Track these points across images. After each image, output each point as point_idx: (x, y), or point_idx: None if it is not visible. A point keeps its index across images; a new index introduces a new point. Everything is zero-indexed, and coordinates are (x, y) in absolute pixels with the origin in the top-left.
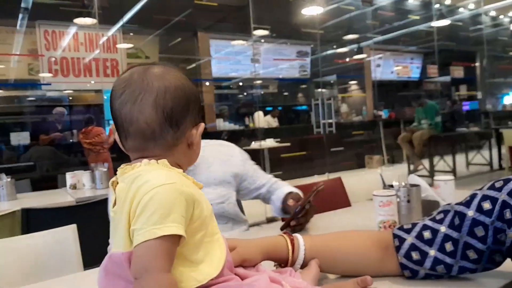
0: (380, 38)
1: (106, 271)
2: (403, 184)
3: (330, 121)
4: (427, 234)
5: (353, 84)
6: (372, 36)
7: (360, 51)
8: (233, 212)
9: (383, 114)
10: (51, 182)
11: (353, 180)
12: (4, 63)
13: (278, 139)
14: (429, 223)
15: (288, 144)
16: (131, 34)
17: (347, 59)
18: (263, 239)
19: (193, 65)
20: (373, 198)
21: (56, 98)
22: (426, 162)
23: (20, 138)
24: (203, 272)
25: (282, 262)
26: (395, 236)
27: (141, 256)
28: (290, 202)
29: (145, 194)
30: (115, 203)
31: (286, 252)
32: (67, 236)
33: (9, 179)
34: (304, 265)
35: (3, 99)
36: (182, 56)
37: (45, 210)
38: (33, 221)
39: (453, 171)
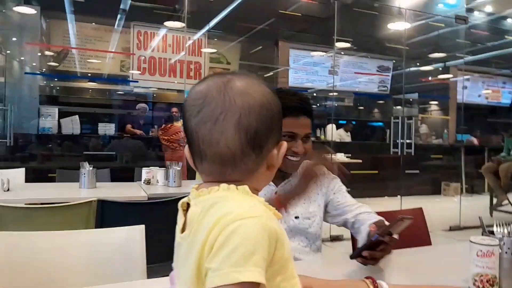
0: (470, 58)
1: None
2: (507, 231)
3: (408, 141)
4: None
5: (434, 105)
6: (461, 55)
7: (446, 70)
8: (315, 233)
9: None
10: (129, 173)
11: (428, 207)
12: (100, 59)
13: (349, 155)
14: None
15: (360, 160)
16: (215, 39)
17: (430, 78)
18: (343, 282)
19: (271, 73)
20: (470, 245)
21: (141, 94)
22: (511, 197)
23: (106, 128)
24: None
25: None
26: None
27: None
28: (372, 227)
29: (227, 226)
30: (183, 228)
31: None
32: (135, 235)
33: (91, 168)
34: None
35: (96, 91)
36: (261, 64)
37: (119, 204)
38: (106, 212)
39: None
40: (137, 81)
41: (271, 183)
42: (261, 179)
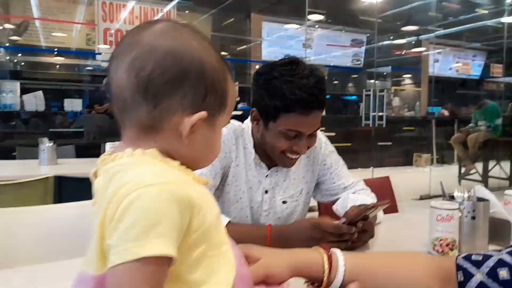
0: (442, 31)
1: None
2: (467, 196)
3: (380, 114)
4: (503, 273)
5: (407, 78)
6: (433, 29)
7: (418, 44)
8: (303, 213)
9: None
10: (97, 150)
11: (399, 178)
12: (65, 32)
13: (323, 128)
14: (508, 258)
15: (333, 134)
16: (186, 11)
17: (404, 52)
18: (295, 252)
19: (244, 46)
20: (430, 210)
21: None
22: (479, 166)
23: (73, 104)
24: None
25: (316, 281)
26: (459, 268)
27: (117, 284)
28: (352, 210)
29: (125, 197)
30: (96, 202)
31: (321, 271)
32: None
33: (50, 144)
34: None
35: (62, 66)
36: (234, 36)
37: (78, 180)
38: (66, 189)
39: (510, 179)
40: (101, 54)
41: (263, 164)
42: (173, 145)
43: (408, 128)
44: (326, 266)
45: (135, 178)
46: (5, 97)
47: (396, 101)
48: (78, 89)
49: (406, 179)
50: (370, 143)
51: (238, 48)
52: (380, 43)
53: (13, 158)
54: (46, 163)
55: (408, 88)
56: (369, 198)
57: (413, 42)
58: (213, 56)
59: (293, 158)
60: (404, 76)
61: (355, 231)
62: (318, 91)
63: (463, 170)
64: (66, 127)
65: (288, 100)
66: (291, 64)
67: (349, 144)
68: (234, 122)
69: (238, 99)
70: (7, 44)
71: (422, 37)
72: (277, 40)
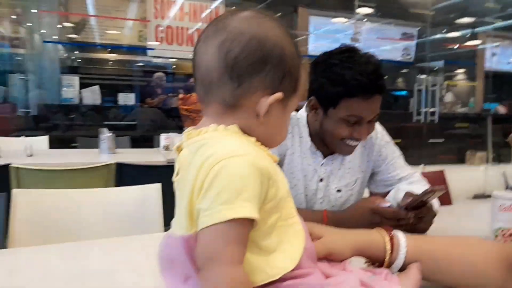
0: (500, 23)
1: (161, 257)
2: None
3: (432, 109)
4: None
5: (460, 73)
6: (490, 21)
7: (474, 36)
8: (356, 200)
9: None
10: (149, 142)
11: (452, 176)
12: (118, 29)
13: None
14: None
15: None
16: (233, 8)
17: (457, 45)
18: (357, 232)
19: None
20: (492, 200)
21: (161, 65)
22: None
23: (126, 98)
24: (276, 265)
25: (376, 262)
26: None
27: (208, 243)
28: (408, 197)
29: (212, 167)
30: (178, 173)
31: (382, 252)
32: (151, 193)
33: (110, 134)
34: (402, 269)
35: (115, 62)
36: None
37: (137, 167)
38: (125, 175)
39: None
40: (153, 49)
41: (318, 153)
42: (250, 124)
43: (461, 125)
44: (388, 247)
45: (219, 150)
46: (66, 91)
47: (448, 97)
48: (130, 84)
49: (459, 178)
50: (421, 139)
51: None
52: (432, 37)
53: (74, 147)
54: (106, 152)
55: (462, 83)
56: (422, 188)
57: (468, 35)
58: (291, 44)
59: (352, 145)
60: (457, 70)
61: (412, 217)
62: (378, 76)
63: None
64: (120, 120)
65: (349, 85)
66: (348, 51)
67: (399, 141)
68: None
69: None
70: (66, 42)
71: (478, 29)
72: (324, 34)
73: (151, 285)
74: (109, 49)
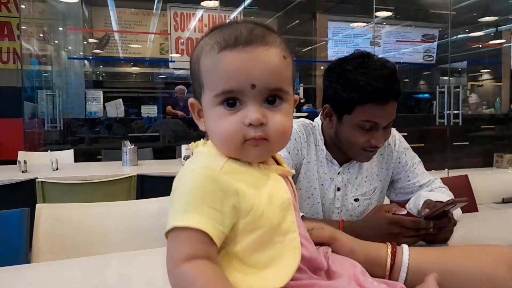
0: None
1: None
2: None
3: (456, 112)
4: None
5: (485, 73)
6: None
7: (498, 35)
8: None
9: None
10: (171, 152)
11: (478, 179)
12: (141, 43)
13: (394, 128)
14: None
15: (405, 134)
16: (252, 17)
17: (481, 44)
18: (368, 242)
19: (309, 47)
20: None
21: (183, 76)
22: None
23: (149, 110)
24: (265, 283)
25: (376, 274)
26: None
27: (167, 248)
28: (427, 205)
29: (176, 179)
30: None
31: (383, 267)
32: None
33: (132, 147)
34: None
35: (138, 75)
36: (299, 37)
37: (158, 178)
38: (146, 186)
39: None
40: (174, 61)
41: (334, 161)
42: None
43: (487, 127)
44: (389, 265)
45: (186, 164)
46: (90, 105)
47: (473, 98)
48: (152, 96)
49: (486, 181)
50: (445, 143)
51: (304, 50)
52: (454, 37)
53: (99, 160)
54: (129, 164)
55: (487, 83)
56: (443, 196)
57: (492, 34)
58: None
59: (371, 153)
60: (481, 71)
61: (432, 227)
62: (393, 81)
63: None
64: (143, 132)
65: (364, 91)
66: (363, 57)
67: (422, 145)
68: (304, 120)
69: (303, 100)
70: (91, 57)
71: (503, 27)
72: (343, 39)
73: None
74: (131, 63)
